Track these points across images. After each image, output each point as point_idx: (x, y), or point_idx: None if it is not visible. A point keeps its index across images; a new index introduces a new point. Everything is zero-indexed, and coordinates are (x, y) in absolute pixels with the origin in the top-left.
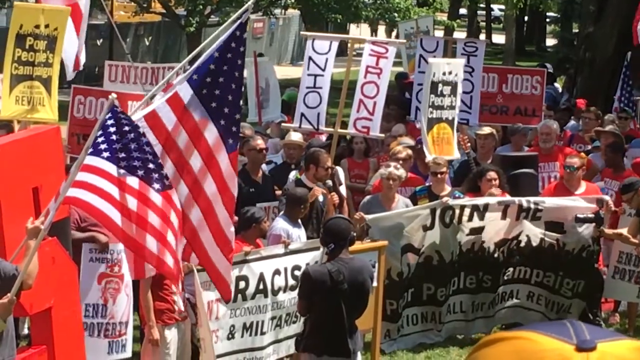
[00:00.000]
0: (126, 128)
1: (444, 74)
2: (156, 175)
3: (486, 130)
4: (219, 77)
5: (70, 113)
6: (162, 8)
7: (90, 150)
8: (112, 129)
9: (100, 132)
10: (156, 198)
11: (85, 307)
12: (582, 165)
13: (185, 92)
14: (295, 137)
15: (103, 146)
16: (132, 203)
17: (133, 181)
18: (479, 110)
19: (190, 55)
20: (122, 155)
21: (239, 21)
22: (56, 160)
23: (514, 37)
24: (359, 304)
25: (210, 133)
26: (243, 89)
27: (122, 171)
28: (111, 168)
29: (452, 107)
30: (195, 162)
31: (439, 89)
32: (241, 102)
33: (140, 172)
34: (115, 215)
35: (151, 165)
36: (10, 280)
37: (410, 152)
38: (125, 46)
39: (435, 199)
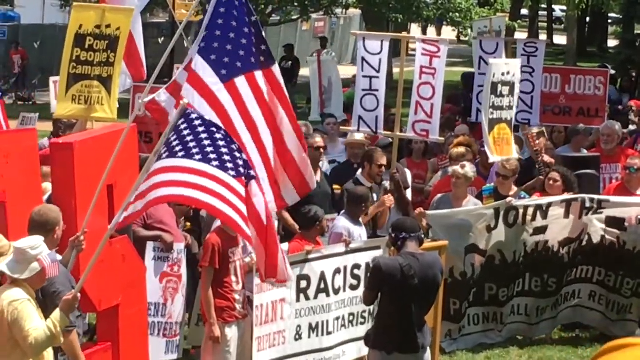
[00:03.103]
0: (199, 128)
1: (503, 74)
2: (230, 165)
3: (535, 129)
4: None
5: (131, 111)
6: None
7: (166, 154)
8: (186, 132)
9: (174, 136)
10: (233, 182)
11: (147, 305)
12: None
13: (199, 64)
14: (359, 136)
15: (178, 148)
16: (218, 188)
17: (209, 169)
18: (541, 110)
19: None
20: (196, 150)
21: None
22: (131, 158)
23: (576, 38)
24: (429, 299)
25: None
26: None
27: (197, 163)
28: (188, 163)
29: (510, 108)
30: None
31: (499, 89)
32: None
33: (214, 163)
34: (215, 202)
35: (225, 157)
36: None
37: (462, 150)
38: (187, 44)
39: (501, 199)
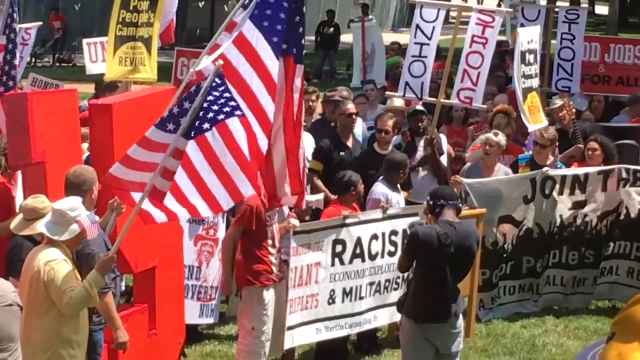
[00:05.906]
0: (196, 96)
1: (528, 42)
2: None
3: (558, 102)
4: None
5: (173, 75)
6: None
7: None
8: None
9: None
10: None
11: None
12: None
13: (249, 30)
14: (398, 102)
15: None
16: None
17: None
18: (580, 78)
19: None
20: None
21: None
22: None
23: (617, 8)
24: (464, 268)
25: (276, 69)
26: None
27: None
28: (155, 135)
29: (536, 75)
30: (268, 105)
31: (527, 57)
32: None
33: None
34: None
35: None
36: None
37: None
38: (228, 7)
39: (537, 169)
